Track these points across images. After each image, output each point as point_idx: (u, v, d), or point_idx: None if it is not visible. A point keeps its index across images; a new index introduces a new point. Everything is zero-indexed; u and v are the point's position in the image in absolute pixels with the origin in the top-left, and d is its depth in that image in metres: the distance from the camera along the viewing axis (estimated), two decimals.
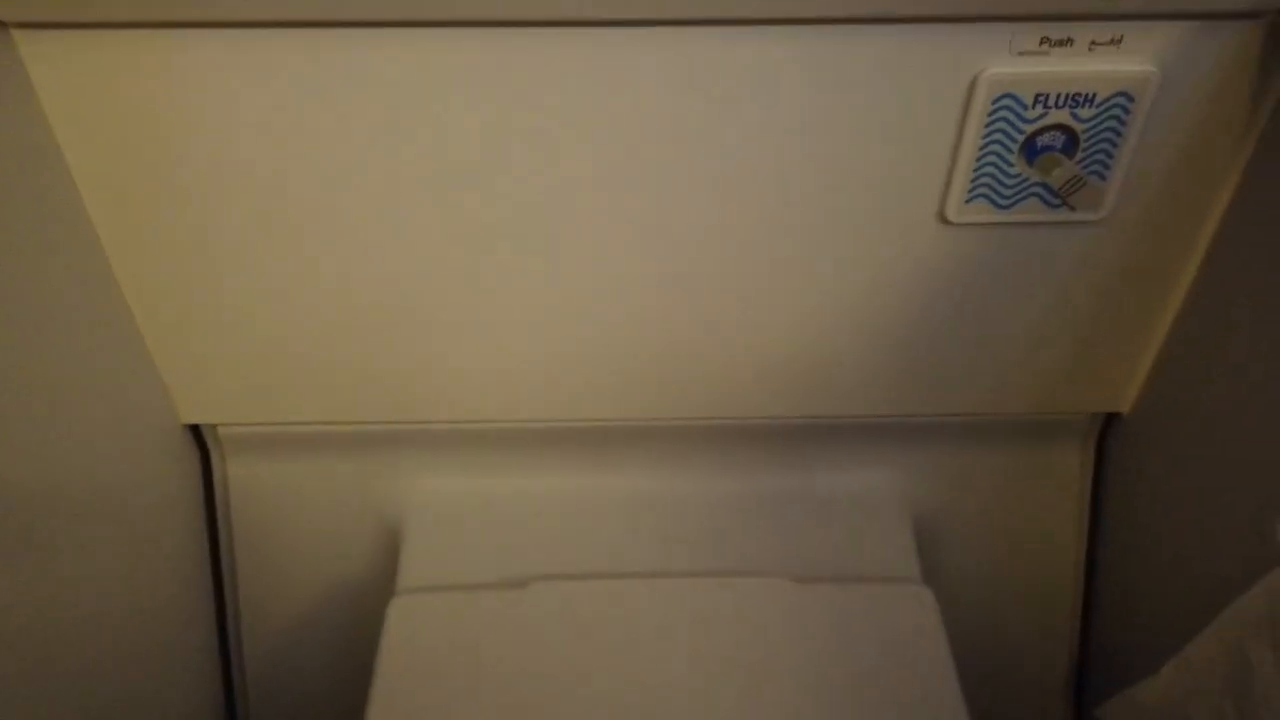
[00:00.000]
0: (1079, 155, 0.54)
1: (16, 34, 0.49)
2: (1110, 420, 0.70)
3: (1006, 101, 0.52)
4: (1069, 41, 0.50)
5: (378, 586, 0.71)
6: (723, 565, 0.67)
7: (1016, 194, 0.55)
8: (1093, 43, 0.50)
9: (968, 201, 0.56)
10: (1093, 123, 0.52)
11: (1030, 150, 0.54)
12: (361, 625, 0.72)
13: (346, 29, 0.49)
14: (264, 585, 0.75)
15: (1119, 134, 0.53)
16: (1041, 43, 0.50)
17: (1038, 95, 0.51)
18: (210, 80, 0.51)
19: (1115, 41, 0.50)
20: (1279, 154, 0.53)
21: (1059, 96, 0.52)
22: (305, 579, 0.75)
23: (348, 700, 0.84)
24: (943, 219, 0.56)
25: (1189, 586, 0.61)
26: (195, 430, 0.70)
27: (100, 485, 0.59)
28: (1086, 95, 0.51)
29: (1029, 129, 0.53)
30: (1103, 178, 0.55)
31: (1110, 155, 0.54)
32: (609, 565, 0.67)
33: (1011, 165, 0.54)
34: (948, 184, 0.55)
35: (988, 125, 0.52)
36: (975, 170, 0.54)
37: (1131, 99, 0.52)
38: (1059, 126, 0.53)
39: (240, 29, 0.49)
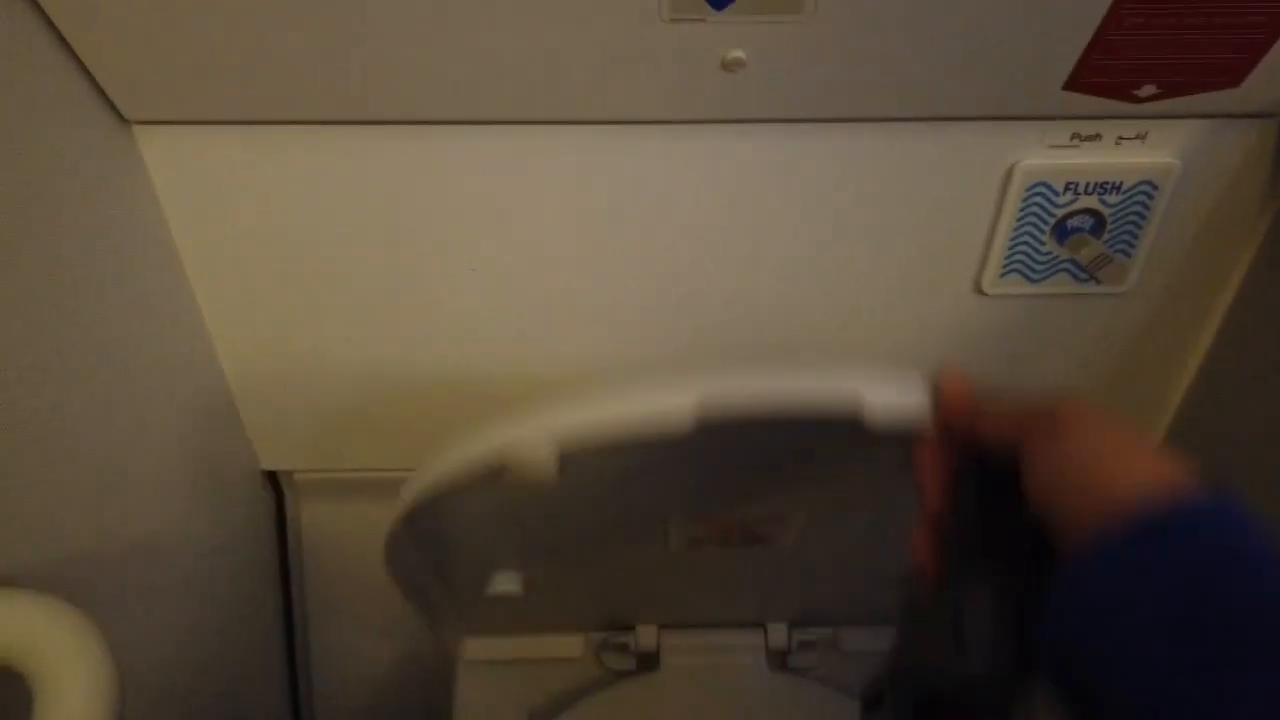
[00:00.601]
0: (1105, 235, 0.58)
1: (137, 130, 0.54)
2: None
3: (1040, 189, 0.56)
4: (1098, 137, 0.55)
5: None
6: None
7: (1048, 269, 0.60)
8: (1120, 138, 0.55)
9: (1002, 275, 0.60)
10: (1119, 207, 0.57)
11: (1061, 231, 0.58)
12: (430, 669, 0.77)
13: (439, 126, 0.54)
14: (334, 625, 0.79)
15: (1143, 217, 0.57)
16: (1072, 138, 0.55)
17: (1068, 183, 0.56)
18: (309, 172, 0.56)
19: (1140, 137, 0.55)
20: None
21: (1088, 185, 0.56)
22: (374, 620, 0.79)
23: None
24: (979, 290, 0.61)
25: None
26: (272, 476, 0.75)
27: (187, 527, 0.64)
28: (1113, 183, 0.56)
29: (1060, 212, 0.57)
30: (1128, 255, 0.59)
31: (1135, 236, 0.58)
32: None
33: (1043, 244, 0.59)
34: (984, 260, 0.60)
35: (1022, 209, 0.57)
36: (1010, 248, 0.59)
37: (1155, 187, 0.56)
38: (1088, 210, 0.57)
39: (340, 126, 0.54)
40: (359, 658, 0.81)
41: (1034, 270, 0.60)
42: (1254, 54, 0.48)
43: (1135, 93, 0.51)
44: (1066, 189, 0.56)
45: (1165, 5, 0.46)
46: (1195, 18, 0.46)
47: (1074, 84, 0.50)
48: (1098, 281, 0.60)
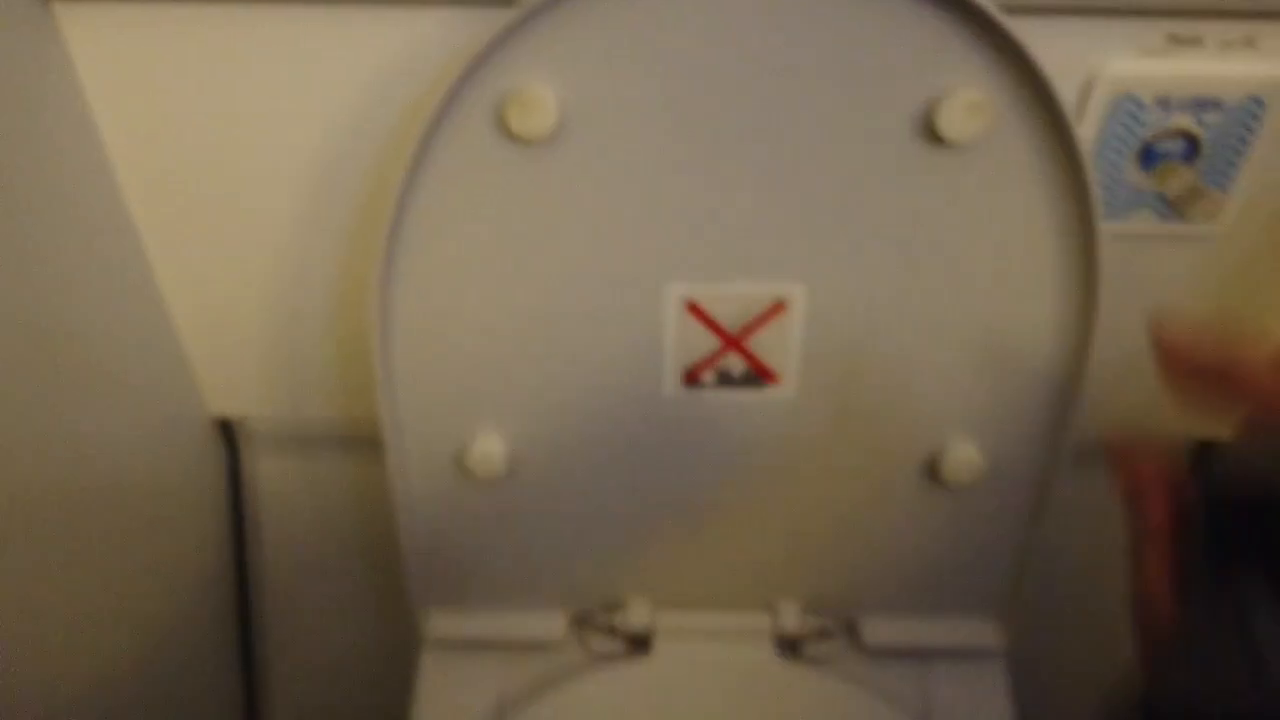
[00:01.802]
0: (1199, 164, 0.49)
1: (58, 8, 0.46)
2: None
3: (1126, 104, 0.47)
4: (1198, 41, 0.46)
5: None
6: None
7: (1129, 203, 0.51)
8: (1224, 42, 0.46)
9: None
10: (1218, 130, 0.48)
11: (1148, 157, 0.49)
12: (390, 629, 0.69)
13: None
14: (293, 595, 0.71)
15: (1245, 142, 0.48)
16: (1168, 41, 0.46)
17: (1159, 98, 0.47)
18: (254, 60, 0.47)
19: (1249, 42, 0.46)
20: None
21: (1184, 100, 0.47)
22: (337, 592, 0.71)
23: (372, 701, 0.81)
24: None
25: None
26: (224, 425, 0.66)
27: (126, 475, 0.56)
28: (1213, 99, 0.47)
29: (1148, 134, 0.48)
30: (1223, 189, 0.50)
31: (1233, 165, 0.49)
32: None
33: (1125, 172, 0.50)
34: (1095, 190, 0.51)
35: (1103, 128, 0.48)
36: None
37: (1262, 104, 0.47)
38: (1181, 132, 0.48)
39: (283, 4, 0.45)
40: (319, 634, 0.73)
41: (1113, 204, 0.51)
42: None
43: None
44: (1158, 104, 0.47)
45: None
46: None
47: None
48: (1185, 219, 0.51)
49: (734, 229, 0.48)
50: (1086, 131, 0.48)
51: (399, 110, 0.49)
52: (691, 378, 0.53)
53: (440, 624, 0.61)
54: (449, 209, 0.47)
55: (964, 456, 0.52)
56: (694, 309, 0.51)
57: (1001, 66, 0.43)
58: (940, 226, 0.47)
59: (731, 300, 0.50)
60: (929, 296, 0.49)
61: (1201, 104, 0.47)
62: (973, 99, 0.43)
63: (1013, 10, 0.44)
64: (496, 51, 0.43)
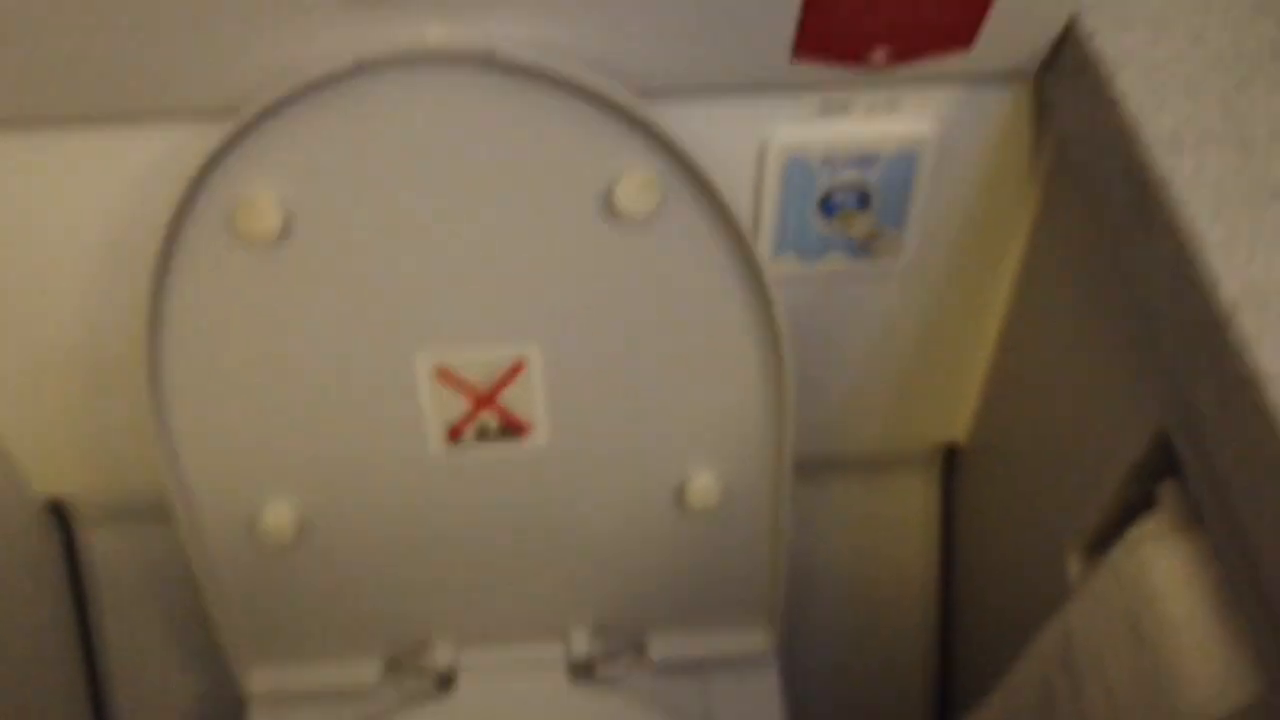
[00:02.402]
0: (874, 209, 0.56)
1: None
2: (954, 453, 0.72)
3: (797, 165, 0.54)
4: (847, 108, 0.52)
5: None
6: None
7: (821, 248, 0.58)
8: (870, 107, 0.52)
9: (775, 256, 0.58)
10: (882, 180, 0.55)
11: (828, 208, 0.56)
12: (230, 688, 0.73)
13: None
14: (135, 656, 0.75)
15: (908, 188, 0.55)
16: (822, 110, 0.52)
17: (825, 158, 0.54)
18: (12, 182, 0.52)
19: (891, 105, 0.52)
20: (1064, 197, 0.55)
21: (846, 158, 0.54)
22: (175, 646, 0.75)
23: None
24: None
25: (1026, 616, 0.64)
26: (56, 505, 0.70)
27: None
28: (870, 156, 0.54)
29: (823, 188, 0.55)
30: (899, 228, 0.57)
31: (903, 208, 0.56)
32: None
33: (812, 223, 0.56)
34: (754, 242, 0.57)
35: (784, 188, 0.55)
36: (777, 228, 0.56)
37: (914, 157, 0.54)
38: (851, 185, 0.55)
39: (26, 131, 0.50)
40: (167, 699, 0.77)
41: (807, 249, 0.58)
42: (976, 9, 0.46)
43: (868, 57, 0.49)
44: (824, 164, 0.54)
45: None
46: None
47: (801, 52, 0.48)
48: (872, 257, 0.58)
49: (465, 301, 0.54)
50: (770, 190, 0.54)
51: (147, 221, 0.53)
52: (454, 435, 0.58)
53: (262, 679, 0.65)
54: (200, 307, 0.52)
55: (703, 484, 0.58)
56: (444, 374, 0.56)
57: (664, 151, 0.49)
58: (638, 289, 0.53)
59: (476, 363, 0.56)
60: (642, 349, 0.55)
61: (863, 160, 0.54)
62: (642, 180, 0.49)
63: (690, 92, 0.51)
64: (218, 163, 0.48)
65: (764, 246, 0.57)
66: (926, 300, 0.61)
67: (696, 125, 0.52)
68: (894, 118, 0.53)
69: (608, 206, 0.50)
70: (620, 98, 0.47)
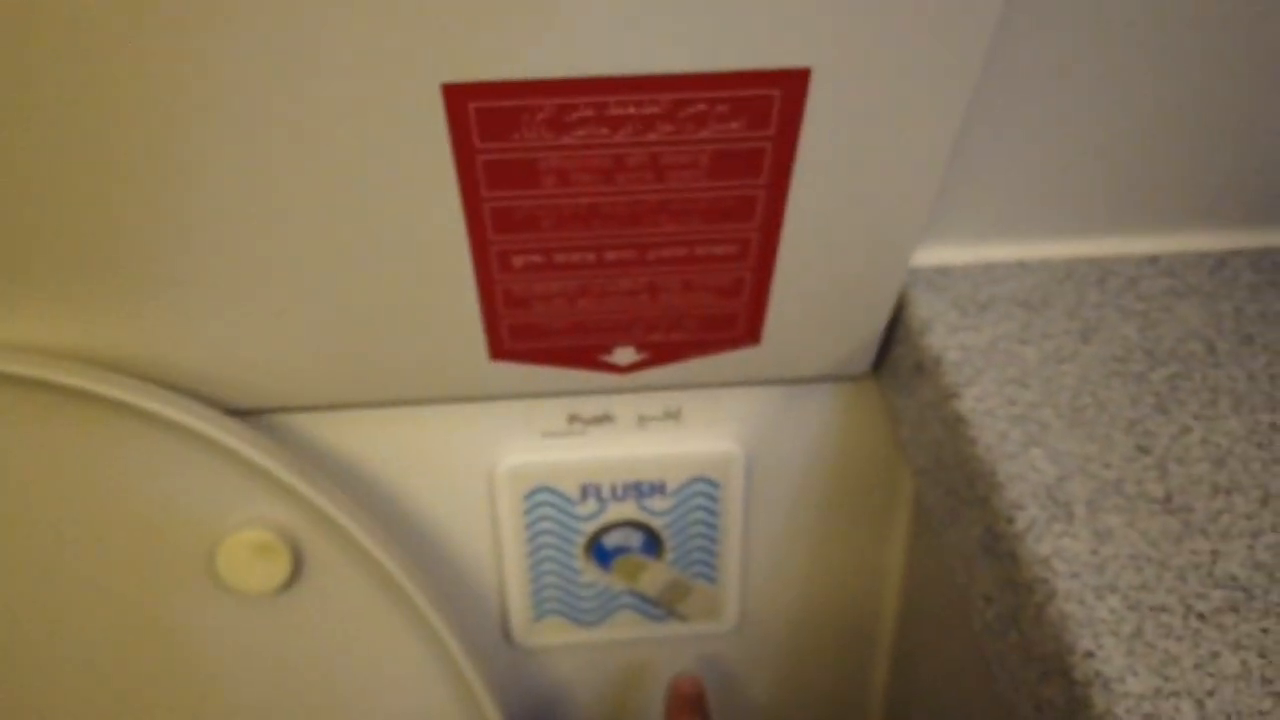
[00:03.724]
0: (668, 555, 0.39)
1: None
2: None
3: (543, 495, 0.37)
4: (607, 419, 0.36)
5: None
6: None
7: (606, 607, 0.40)
8: (641, 418, 0.36)
9: (537, 619, 0.40)
10: (671, 516, 0.38)
11: (600, 553, 0.39)
12: None
13: None
14: None
15: (713, 527, 0.39)
16: (571, 421, 0.36)
17: (584, 486, 0.37)
18: None
19: (672, 415, 0.36)
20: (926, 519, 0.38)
21: (616, 487, 0.37)
22: None
23: None
24: (509, 641, 0.41)
25: None
26: None
27: None
28: (651, 484, 0.37)
29: (587, 528, 0.38)
30: (711, 581, 0.40)
31: (710, 553, 0.39)
32: None
33: (582, 573, 0.39)
34: (503, 599, 0.40)
35: (529, 525, 0.38)
36: (534, 582, 0.39)
37: (715, 484, 0.38)
38: (629, 523, 0.38)
39: None
40: None
41: (587, 610, 0.40)
42: (751, 294, 0.31)
43: (607, 359, 0.33)
44: (585, 495, 0.38)
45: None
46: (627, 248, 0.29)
47: (502, 352, 0.32)
48: (685, 618, 0.41)
49: None
50: (509, 531, 0.38)
51: None
52: None
53: None
54: None
55: None
56: None
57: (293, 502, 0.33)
58: (305, 651, 0.36)
59: None
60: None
61: (638, 489, 0.38)
62: (255, 540, 0.32)
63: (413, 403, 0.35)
64: None
65: (520, 608, 0.40)
66: (763, 673, 0.43)
67: (410, 440, 0.36)
68: (681, 433, 0.37)
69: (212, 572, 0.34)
70: (227, 435, 0.31)
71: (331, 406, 0.35)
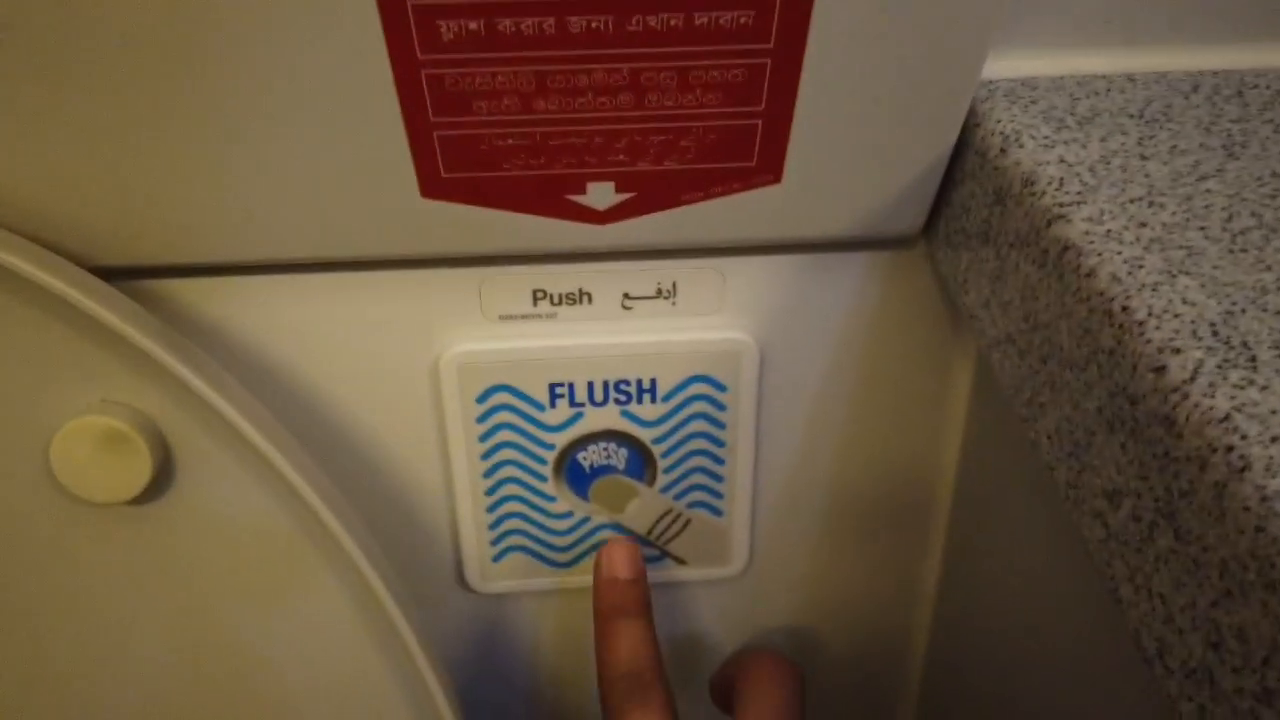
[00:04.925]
0: (661, 479, 0.31)
1: None
2: None
3: (501, 397, 0.29)
4: (583, 298, 0.28)
5: None
6: None
7: (577, 543, 0.32)
8: (627, 295, 0.28)
9: (497, 560, 0.32)
10: (666, 424, 0.30)
11: (575, 474, 0.31)
12: None
13: None
14: None
15: (717, 441, 0.30)
16: (537, 299, 0.28)
17: (553, 386, 0.29)
18: None
19: (665, 294, 0.28)
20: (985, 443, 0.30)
21: (592, 388, 0.29)
22: None
23: None
24: (465, 587, 0.33)
25: None
26: None
27: None
28: (639, 381, 0.29)
29: (556, 440, 0.30)
30: (715, 511, 0.32)
31: (716, 475, 0.31)
32: None
33: (550, 498, 0.31)
34: (454, 534, 0.32)
35: (484, 439, 0.30)
36: (491, 510, 0.31)
37: (719, 385, 0.29)
38: (610, 434, 0.30)
39: None
40: None
41: (552, 546, 0.32)
42: (772, 100, 0.23)
43: (579, 200, 0.25)
44: (554, 398, 0.29)
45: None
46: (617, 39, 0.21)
47: (436, 186, 0.24)
48: (678, 560, 0.33)
49: None
50: (462, 442, 0.30)
51: None
52: None
53: None
54: None
55: None
56: None
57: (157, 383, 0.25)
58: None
59: None
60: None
61: (626, 390, 0.30)
62: (104, 427, 0.24)
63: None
64: None
65: (474, 546, 0.32)
66: (769, 618, 0.35)
67: (306, 325, 0.28)
68: (675, 316, 0.29)
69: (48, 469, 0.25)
70: (71, 288, 0.23)
71: (225, 269, 0.27)
